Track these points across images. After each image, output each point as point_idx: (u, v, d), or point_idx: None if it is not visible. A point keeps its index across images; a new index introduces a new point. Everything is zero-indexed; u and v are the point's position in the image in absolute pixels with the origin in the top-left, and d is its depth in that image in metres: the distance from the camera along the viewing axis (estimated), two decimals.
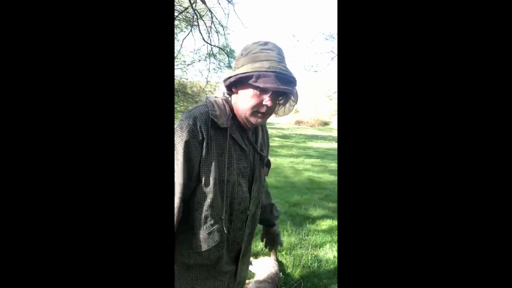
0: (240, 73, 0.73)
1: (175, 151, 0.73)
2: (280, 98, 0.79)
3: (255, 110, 0.75)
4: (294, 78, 0.74)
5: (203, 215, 0.78)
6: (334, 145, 9.96)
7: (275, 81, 0.70)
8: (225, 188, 0.79)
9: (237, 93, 0.78)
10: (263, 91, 0.73)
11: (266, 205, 1.11)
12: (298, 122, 22.80)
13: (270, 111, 0.77)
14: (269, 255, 2.00)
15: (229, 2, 5.11)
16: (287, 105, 0.83)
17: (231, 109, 0.81)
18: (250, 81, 0.71)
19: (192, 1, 4.73)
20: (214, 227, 0.79)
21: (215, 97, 0.82)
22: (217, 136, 0.77)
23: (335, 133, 15.40)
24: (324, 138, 12.76)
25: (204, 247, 0.79)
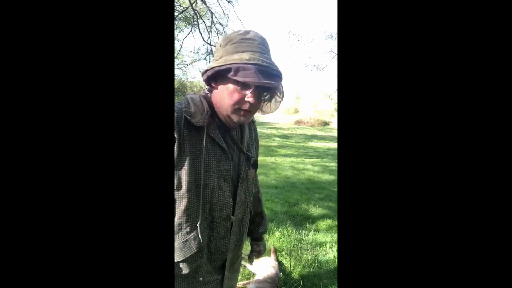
0: (217, 66, 0.66)
1: None
2: (265, 93, 0.70)
3: (237, 108, 0.68)
4: (278, 71, 0.67)
5: (176, 222, 0.72)
6: (334, 145, 9.96)
7: (256, 74, 0.62)
8: (203, 193, 0.72)
9: (217, 88, 0.72)
10: (244, 86, 0.65)
11: (254, 214, 1.00)
12: (298, 122, 22.79)
13: (253, 108, 0.69)
14: (269, 255, 2.00)
15: (229, 2, 5.11)
16: (273, 101, 0.75)
17: (211, 106, 0.74)
18: (229, 75, 0.64)
19: (192, 1, 4.73)
20: (190, 235, 0.73)
21: (194, 94, 0.76)
22: (192, 136, 0.70)
23: (335, 133, 15.39)
24: (324, 138, 12.76)
25: (180, 257, 0.73)
